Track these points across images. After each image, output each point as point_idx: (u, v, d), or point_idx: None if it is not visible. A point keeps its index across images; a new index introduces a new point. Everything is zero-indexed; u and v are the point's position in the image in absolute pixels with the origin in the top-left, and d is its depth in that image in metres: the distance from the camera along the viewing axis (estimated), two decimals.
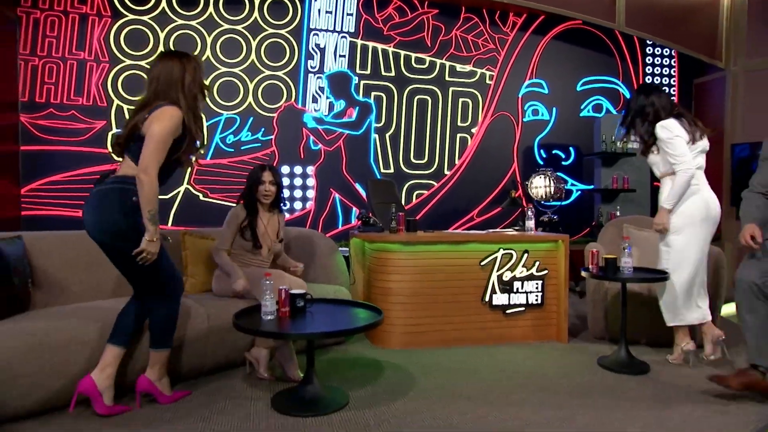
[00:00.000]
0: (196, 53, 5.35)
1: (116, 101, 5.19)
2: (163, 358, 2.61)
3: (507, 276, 3.81)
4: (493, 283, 3.79)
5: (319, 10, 5.72)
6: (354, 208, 5.80)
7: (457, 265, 3.75)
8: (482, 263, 3.77)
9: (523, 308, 3.84)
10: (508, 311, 3.83)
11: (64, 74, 5.07)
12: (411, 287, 3.70)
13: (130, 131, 2.44)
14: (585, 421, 2.52)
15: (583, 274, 3.43)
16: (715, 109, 6.51)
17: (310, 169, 5.71)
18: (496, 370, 3.24)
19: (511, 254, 3.80)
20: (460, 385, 2.96)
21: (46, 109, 5.02)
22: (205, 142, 5.26)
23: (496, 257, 3.78)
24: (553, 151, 6.48)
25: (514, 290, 3.82)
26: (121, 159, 2.53)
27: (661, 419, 2.53)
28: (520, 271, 3.82)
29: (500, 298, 3.81)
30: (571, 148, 6.52)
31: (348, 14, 5.80)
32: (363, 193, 5.81)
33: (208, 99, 5.32)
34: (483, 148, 6.23)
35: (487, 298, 3.79)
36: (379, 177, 5.86)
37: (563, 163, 6.49)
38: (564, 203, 6.27)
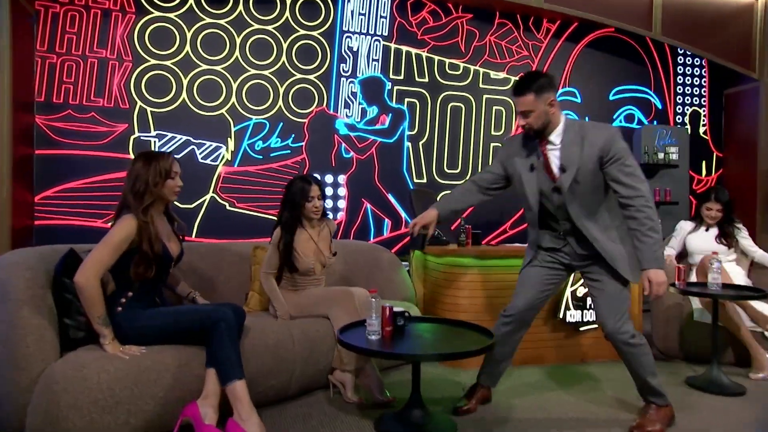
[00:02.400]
0: (224, 54, 5.28)
1: (139, 103, 5.04)
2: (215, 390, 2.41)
3: (580, 292, 3.82)
4: (567, 299, 3.79)
5: (352, 12, 5.70)
6: (386, 219, 5.76)
7: None
8: None
9: (595, 325, 3.85)
10: (581, 328, 3.83)
11: (83, 73, 4.91)
12: (483, 303, 3.68)
13: None
14: None
15: (671, 290, 3.45)
16: (747, 120, 6.66)
17: (342, 178, 5.64)
18: (587, 389, 3.25)
19: None
20: (561, 408, 2.95)
21: (63, 110, 4.85)
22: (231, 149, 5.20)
23: None
24: None
25: (587, 306, 3.83)
26: None
27: None
28: None
29: (574, 315, 3.81)
30: None
31: (381, 17, 5.79)
32: (395, 204, 5.77)
33: (236, 103, 5.28)
34: None
35: (560, 315, 3.79)
36: (412, 187, 5.83)
37: None
38: None
